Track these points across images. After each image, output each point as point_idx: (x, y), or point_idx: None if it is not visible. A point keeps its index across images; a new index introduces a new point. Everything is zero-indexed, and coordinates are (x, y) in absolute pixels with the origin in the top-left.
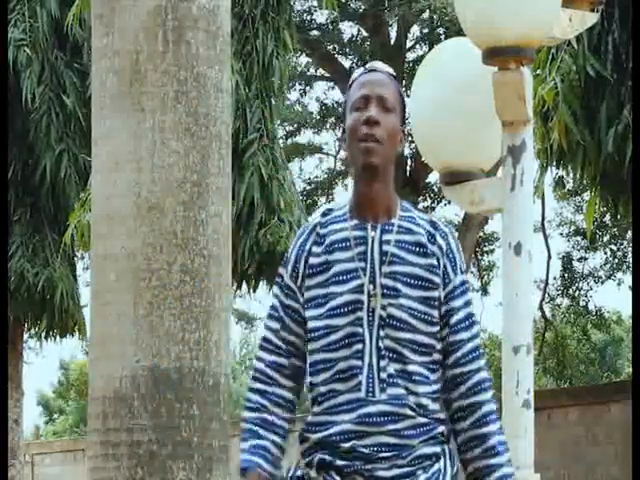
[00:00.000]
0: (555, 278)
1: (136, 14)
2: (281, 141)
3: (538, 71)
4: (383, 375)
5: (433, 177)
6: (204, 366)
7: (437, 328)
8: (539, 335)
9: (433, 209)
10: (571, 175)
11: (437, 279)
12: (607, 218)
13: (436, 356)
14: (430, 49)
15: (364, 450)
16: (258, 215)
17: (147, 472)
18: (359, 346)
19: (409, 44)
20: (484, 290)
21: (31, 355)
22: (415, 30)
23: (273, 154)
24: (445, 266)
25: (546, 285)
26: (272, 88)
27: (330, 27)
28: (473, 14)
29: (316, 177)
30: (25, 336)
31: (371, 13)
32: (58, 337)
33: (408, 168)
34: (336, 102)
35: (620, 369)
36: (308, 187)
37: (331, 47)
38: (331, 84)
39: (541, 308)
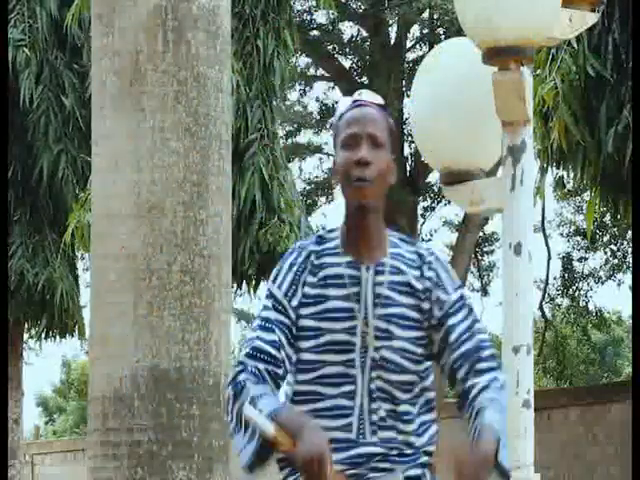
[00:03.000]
0: (555, 278)
1: (136, 14)
2: (281, 141)
3: (538, 71)
4: (374, 417)
5: (433, 177)
6: (204, 366)
7: (423, 366)
8: (539, 335)
9: (433, 209)
10: (571, 175)
11: (426, 317)
12: (607, 218)
13: (416, 390)
14: (430, 49)
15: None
16: (258, 215)
17: (147, 472)
18: (351, 387)
19: (409, 44)
20: (484, 290)
21: (31, 355)
22: (415, 30)
23: (273, 154)
24: (437, 296)
25: (546, 285)
26: (273, 88)
27: (330, 27)
28: (473, 14)
29: (316, 177)
30: (25, 336)
31: (371, 13)
32: (58, 337)
33: (408, 168)
34: (336, 102)
35: (620, 369)
36: (308, 187)
37: (331, 47)
38: (331, 84)
39: (541, 308)
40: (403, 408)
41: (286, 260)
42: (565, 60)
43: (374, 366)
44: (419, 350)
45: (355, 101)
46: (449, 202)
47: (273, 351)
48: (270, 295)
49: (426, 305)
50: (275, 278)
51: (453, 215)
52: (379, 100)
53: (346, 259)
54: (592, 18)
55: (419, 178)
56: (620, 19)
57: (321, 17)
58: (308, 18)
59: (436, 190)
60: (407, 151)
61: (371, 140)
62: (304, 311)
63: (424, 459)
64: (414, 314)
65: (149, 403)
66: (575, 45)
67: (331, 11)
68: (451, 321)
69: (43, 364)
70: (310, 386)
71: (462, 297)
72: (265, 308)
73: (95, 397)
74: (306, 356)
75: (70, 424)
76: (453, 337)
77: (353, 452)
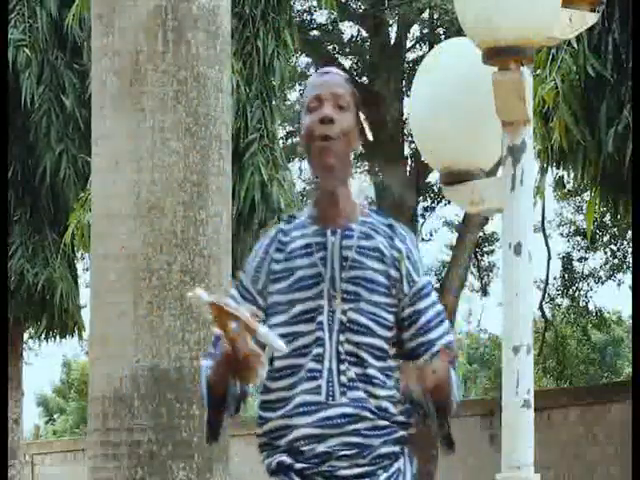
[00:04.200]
0: (555, 278)
1: (136, 14)
2: (281, 141)
3: (538, 71)
4: (343, 379)
5: (433, 177)
6: None
7: (392, 333)
8: (539, 335)
9: (433, 209)
10: (571, 175)
11: (394, 285)
12: (607, 218)
13: (390, 362)
14: (430, 49)
15: (326, 450)
16: (258, 215)
17: (147, 472)
18: (319, 350)
19: (409, 44)
20: (484, 290)
21: (31, 355)
22: (415, 30)
23: (273, 154)
24: (408, 269)
25: (546, 285)
26: (272, 88)
27: (330, 27)
28: (473, 14)
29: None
30: (25, 336)
31: (371, 13)
32: (58, 337)
33: (408, 168)
34: None
35: (620, 369)
36: (308, 187)
37: (331, 47)
38: None
39: (541, 308)
40: (373, 372)
41: (256, 246)
42: (565, 60)
43: (342, 329)
44: (389, 317)
45: (320, 71)
46: (449, 202)
47: None
48: (239, 281)
49: (394, 273)
50: (245, 265)
51: (453, 215)
52: (345, 75)
53: (313, 228)
54: (592, 18)
55: (419, 178)
56: (620, 19)
57: (321, 17)
58: (308, 18)
59: (436, 190)
60: (407, 151)
61: (334, 101)
62: (273, 288)
63: (400, 434)
64: (382, 279)
65: (149, 403)
66: (575, 45)
67: (331, 11)
68: (422, 304)
69: (43, 364)
70: (287, 360)
71: (429, 283)
72: (231, 297)
73: (95, 397)
74: (279, 330)
75: (70, 424)
76: (422, 321)
77: (322, 414)
